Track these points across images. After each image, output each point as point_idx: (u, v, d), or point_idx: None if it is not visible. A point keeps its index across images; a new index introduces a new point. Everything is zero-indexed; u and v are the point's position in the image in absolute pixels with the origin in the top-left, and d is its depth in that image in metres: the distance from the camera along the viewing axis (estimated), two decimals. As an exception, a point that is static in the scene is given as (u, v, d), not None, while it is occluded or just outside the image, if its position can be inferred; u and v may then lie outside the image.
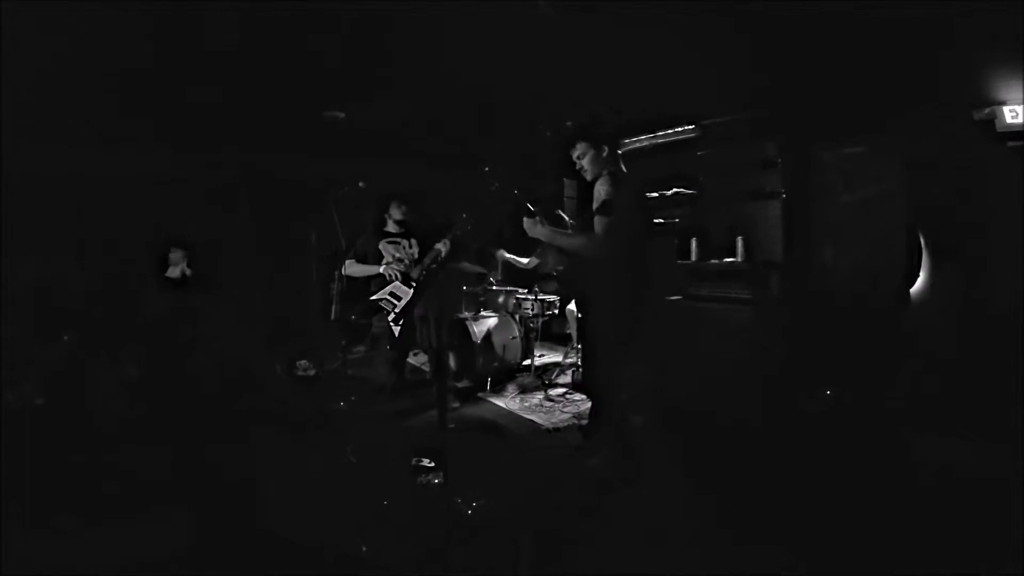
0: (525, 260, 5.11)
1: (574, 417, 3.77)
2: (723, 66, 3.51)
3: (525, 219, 2.91)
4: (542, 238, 2.88)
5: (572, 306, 4.71)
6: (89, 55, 3.05)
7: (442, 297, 3.95)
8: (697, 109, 4.52)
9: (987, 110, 3.22)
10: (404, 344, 4.09)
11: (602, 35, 3.04)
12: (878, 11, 2.58)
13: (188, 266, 3.74)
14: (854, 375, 3.50)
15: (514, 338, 4.80)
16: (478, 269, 4.94)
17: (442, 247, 3.82)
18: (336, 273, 4.47)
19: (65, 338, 3.56)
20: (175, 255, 3.74)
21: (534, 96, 4.13)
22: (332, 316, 4.73)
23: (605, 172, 2.82)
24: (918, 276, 3.67)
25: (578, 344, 4.57)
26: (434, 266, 3.86)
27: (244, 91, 3.86)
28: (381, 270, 3.93)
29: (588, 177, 2.89)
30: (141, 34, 2.86)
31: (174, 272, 3.73)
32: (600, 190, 2.73)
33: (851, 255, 3.83)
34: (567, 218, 5.14)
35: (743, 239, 4.10)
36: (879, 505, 2.38)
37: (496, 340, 4.66)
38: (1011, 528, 2.14)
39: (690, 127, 4.70)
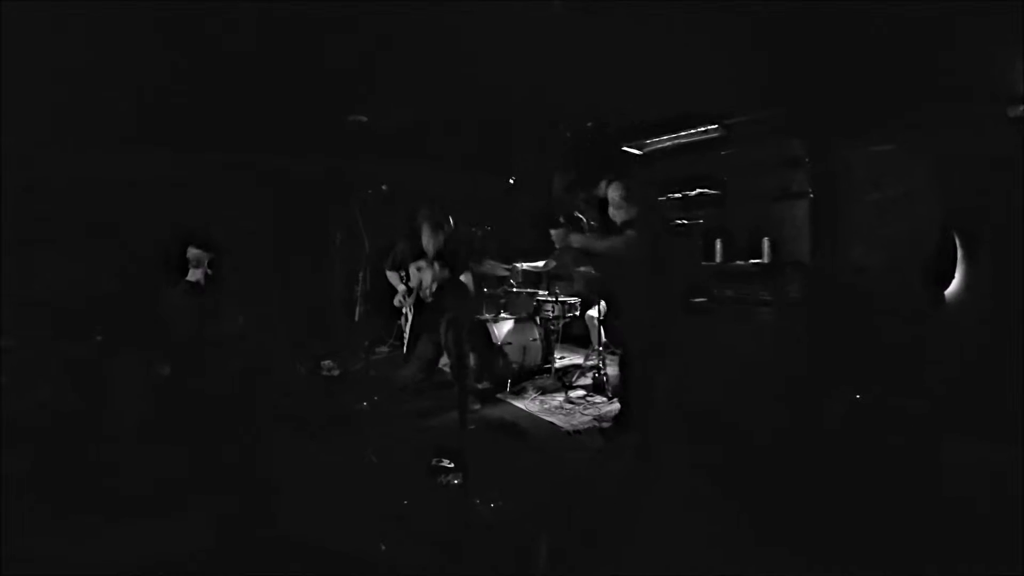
0: (541, 263, 5.12)
1: (594, 419, 3.74)
2: (747, 64, 3.45)
3: (552, 231, 2.90)
4: (576, 246, 2.86)
5: (592, 312, 4.68)
6: (109, 58, 3.14)
7: (461, 300, 3.97)
8: (721, 108, 4.45)
9: (1022, 107, 3.10)
10: (428, 349, 4.17)
11: (621, 35, 3.02)
12: (911, 7, 2.51)
13: (210, 266, 3.64)
14: (884, 378, 3.40)
15: (535, 340, 4.80)
16: (500, 271, 4.95)
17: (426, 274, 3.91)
18: (360, 275, 4.55)
19: (99, 338, 3.66)
20: (194, 253, 3.60)
21: (552, 97, 4.12)
22: (356, 317, 4.80)
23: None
24: (953, 277, 3.55)
25: (599, 347, 4.54)
26: (429, 295, 3.99)
27: (269, 94, 3.94)
28: (395, 302, 4.11)
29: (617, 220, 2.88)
30: (163, 36, 2.94)
31: (195, 275, 3.64)
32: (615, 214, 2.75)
33: (881, 256, 3.72)
34: (584, 219, 5.14)
35: (769, 240, 4.03)
36: (902, 509, 2.32)
37: (517, 342, 4.66)
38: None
39: (714, 127, 4.63)
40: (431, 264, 3.98)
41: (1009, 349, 3.12)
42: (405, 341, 4.07)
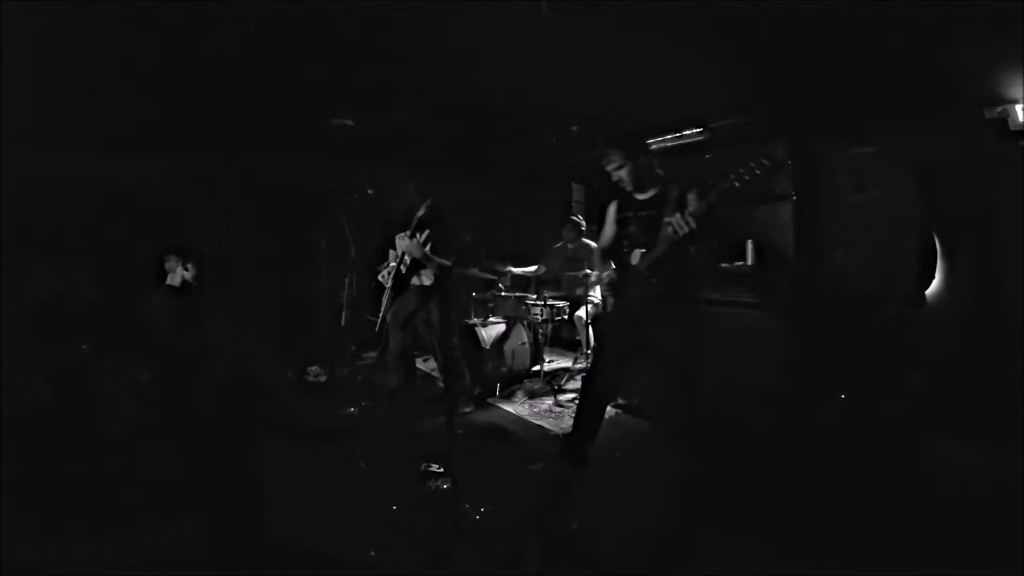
0: (533, 268, 5.18)
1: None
2: (729, 68, 3.49)
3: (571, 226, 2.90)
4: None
5: (580, 312, 4.70)
6: (89, 59, 3.09)
7: (447, 302, 3.92)
8: (704, 112, 4.49)
9: (999, 109, 3.17)
10: (405, 348, 4.12)
11: (606, 38, 3.04)
12: (888, 9, 2.56)
13: (185, 268, 3.72)
14: (866, 379, 3.45)
15: (523, 344, 4.80)
16: (487, 276, 4.96)
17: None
18: (346, 280, 4.52)
19: (84, 347, 3.63)
20: (170, 263, 3.73)
21: (538, 100, 4.14)
22: (342, 322, 4.77)
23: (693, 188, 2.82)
24: (933, 278, 3.62)
25: (587, 350, 4.56)
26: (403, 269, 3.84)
27: (253, 98, 3.91)
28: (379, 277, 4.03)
29: (628, 188, 2.86)
30: (146, 37, 2.90)
31: (174, 280, 3.74)
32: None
33: (863, 257, 3.78)
34: (582, 221, 5.16)
35: (753, 242, 4.08)
36: (890, 508, 2.35)
37: (505, 346, 4.66)
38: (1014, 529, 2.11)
39: (697, 130, 4.68)
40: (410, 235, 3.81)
41: (990, 348, 3.18)
42: (380, 315, 3.99)
